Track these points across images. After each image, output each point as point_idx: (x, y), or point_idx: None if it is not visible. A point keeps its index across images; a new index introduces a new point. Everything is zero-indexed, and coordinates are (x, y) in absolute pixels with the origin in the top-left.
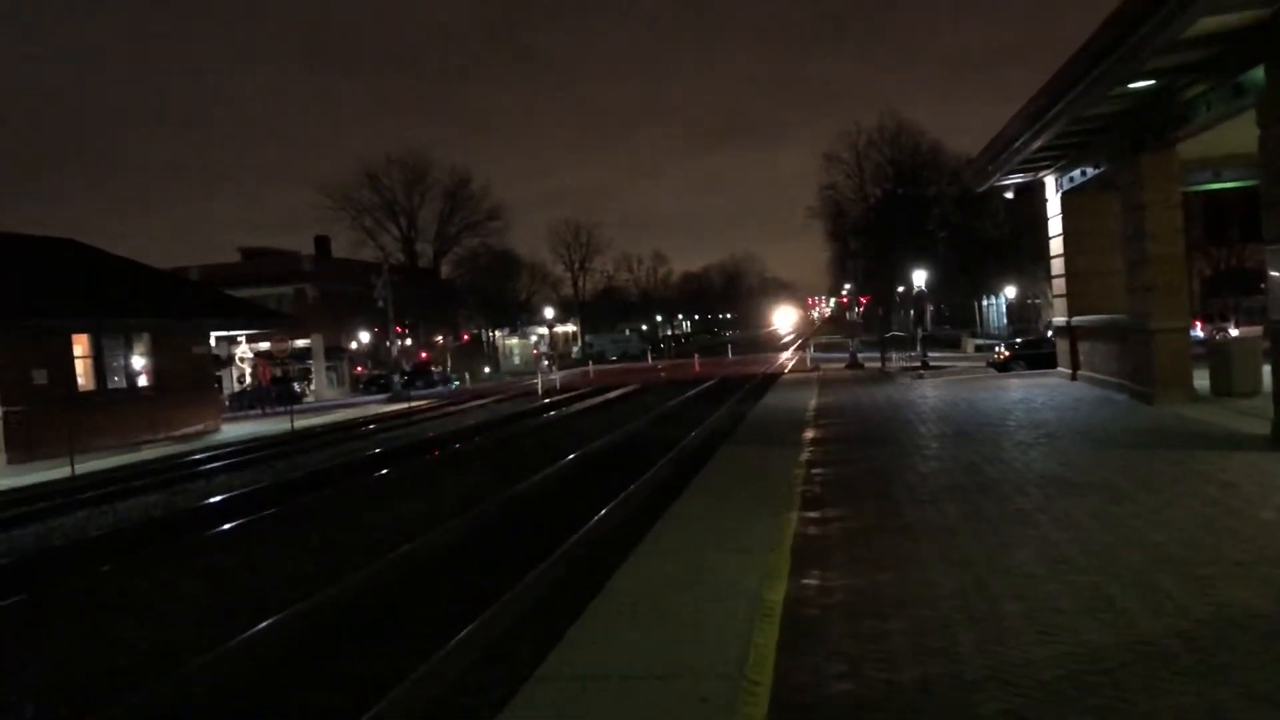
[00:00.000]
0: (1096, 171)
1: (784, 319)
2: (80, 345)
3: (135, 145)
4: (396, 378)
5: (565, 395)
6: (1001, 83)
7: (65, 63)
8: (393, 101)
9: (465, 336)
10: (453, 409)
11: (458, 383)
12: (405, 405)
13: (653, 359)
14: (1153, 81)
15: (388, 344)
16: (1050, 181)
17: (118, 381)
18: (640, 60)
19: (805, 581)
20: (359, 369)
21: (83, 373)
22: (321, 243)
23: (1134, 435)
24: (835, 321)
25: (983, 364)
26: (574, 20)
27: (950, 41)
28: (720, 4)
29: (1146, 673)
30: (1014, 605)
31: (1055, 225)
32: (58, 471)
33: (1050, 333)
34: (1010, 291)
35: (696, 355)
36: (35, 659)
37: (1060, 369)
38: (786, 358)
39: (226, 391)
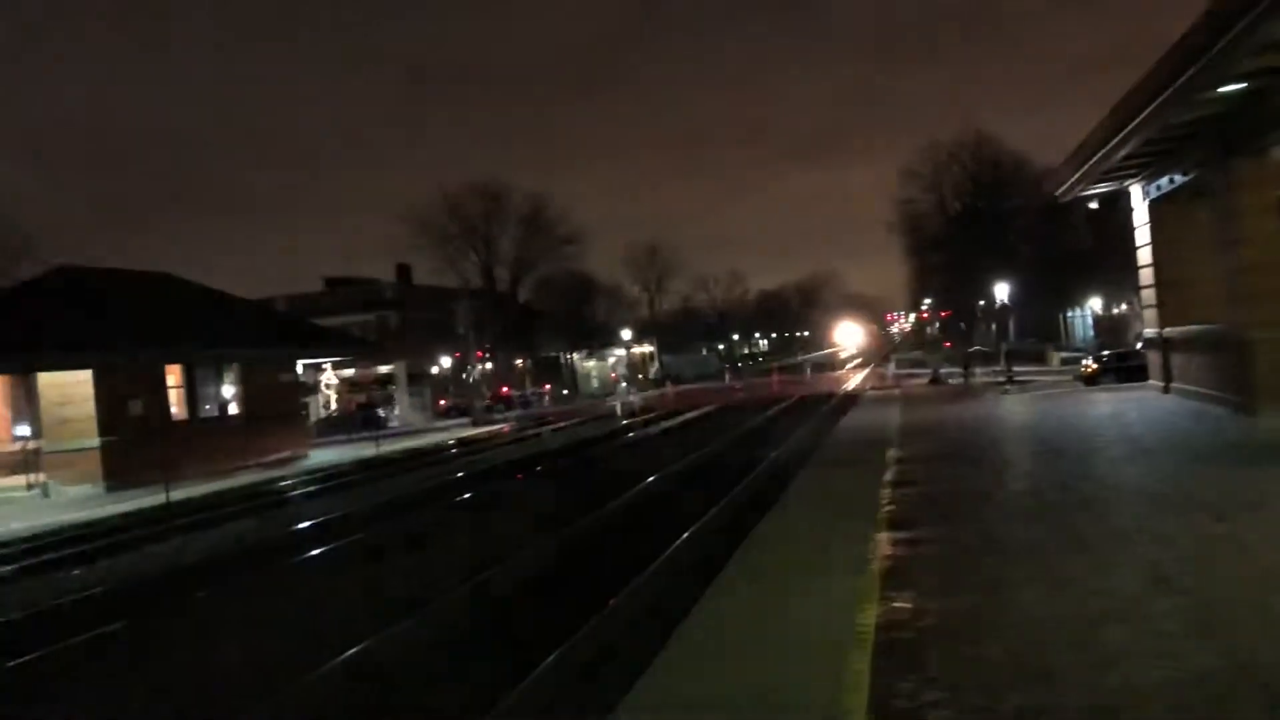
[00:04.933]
0: (1186, 179)
1: (850, 338)
2: (174, 376)
3: (228, 179)
4: (477, 402)
5: (644, 416)
6: (1098, 92)
7: (160, 96)
8: (492, 128)
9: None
10: (532, 433)
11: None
12: (487, 429)
13: (730, 379)
14: (1245, 84)
15: (468, 369)
16: (1137, 190)
17: (209, 410)
18: (736, 80)
19: (897, 605)
20: (442, 401)
21: (176, 402)
22: (403, 270)
23: (1234, 450)
24: (915, 336)
25: (1069, 378)
26: (681, 41)
27: (1044, 51)
28: (819, 23)
29: (1263, 701)
30: (1116, 629)
31: (1143, 234)
32: (153, 499)
33: (1140, 345)
34: (1096, 303)
35: (775, 375)
36: (131, 683)
37: (1152, 382)
38: (862, 380)
39: (313, 418)
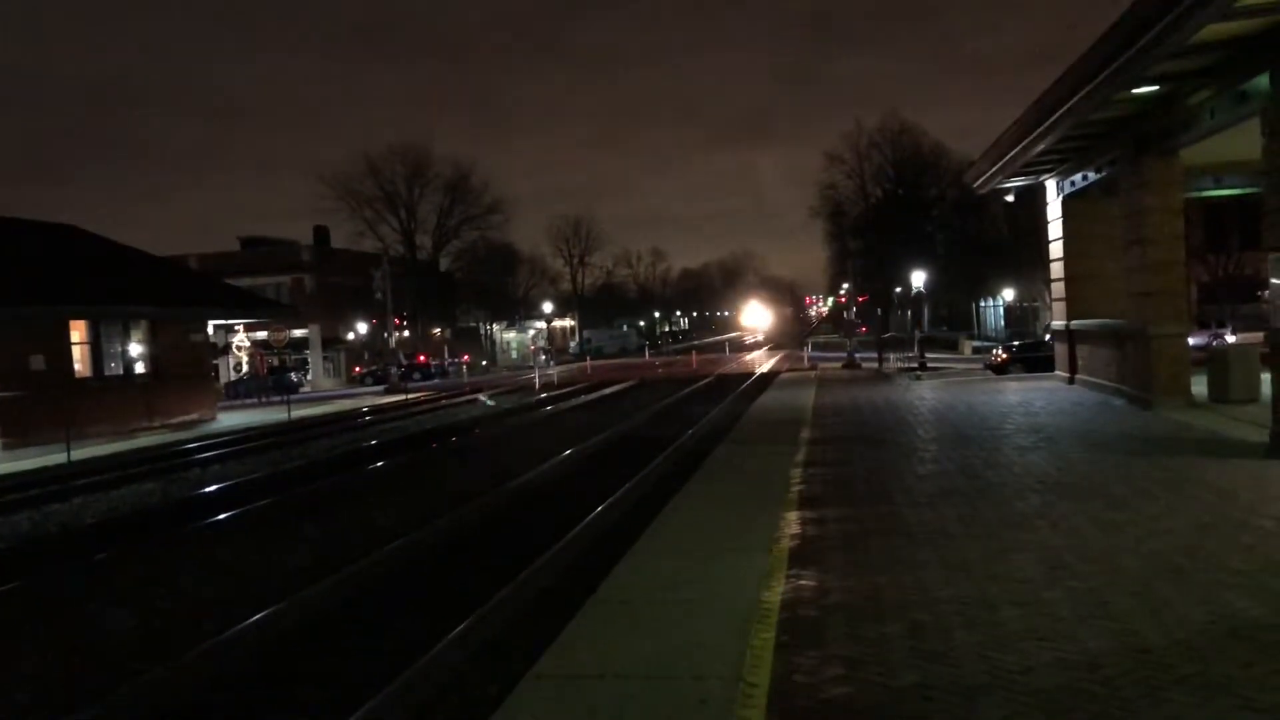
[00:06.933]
0: (1099, 176)
1: (768, 320)
2: (78, 331)
3: (152, 133)
4: (393, 369)
5: (563, 390)
6: (1020, 88)
7: (85, 45)
8: (423, 93)
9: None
10: (448, 402)
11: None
12: (402, 397)
13: (650, 355)
14: (1158, 87)
15: (385, 336)
16: (1051, 185)
17: (114, 368)
18: (671, 55)
19: (802, 583)
20: (357, 369)
21: (80, 359)
22: (320, 233)
23: (1132, 441)
24: (833, 320)
25: (980, 366)
26: (616, 11)
27: (983, 43)
28: (754, 2)
29: (1145, 681)
30: (1012, 611)
31: (1056, 229)
32: (53, 457)
33: (1048, 336)
34: (1008, 294)
35: (694, 352)
36: (27, 647)
37: (1058, 372)
38: (779, 360)
39: (223, 380)
